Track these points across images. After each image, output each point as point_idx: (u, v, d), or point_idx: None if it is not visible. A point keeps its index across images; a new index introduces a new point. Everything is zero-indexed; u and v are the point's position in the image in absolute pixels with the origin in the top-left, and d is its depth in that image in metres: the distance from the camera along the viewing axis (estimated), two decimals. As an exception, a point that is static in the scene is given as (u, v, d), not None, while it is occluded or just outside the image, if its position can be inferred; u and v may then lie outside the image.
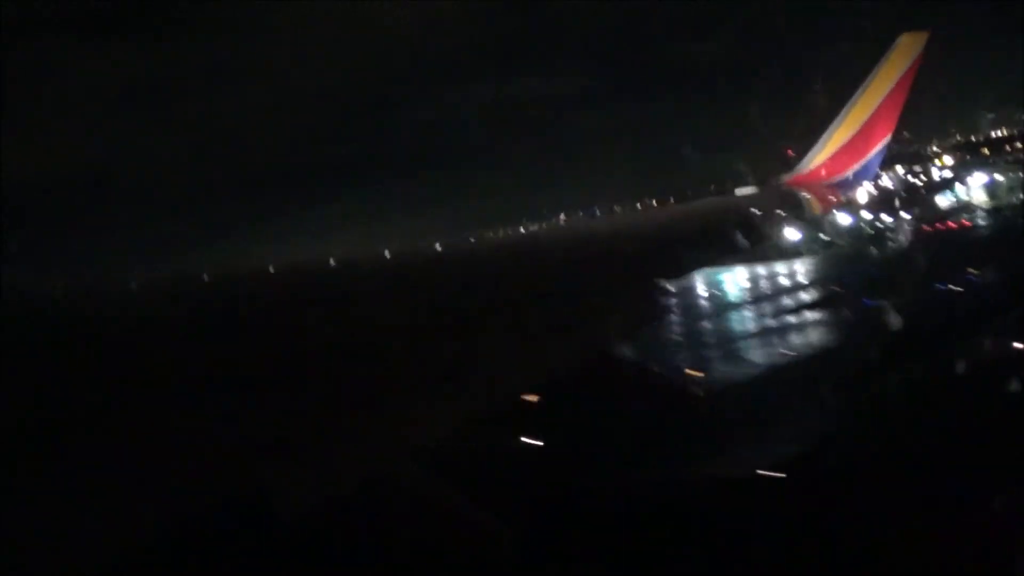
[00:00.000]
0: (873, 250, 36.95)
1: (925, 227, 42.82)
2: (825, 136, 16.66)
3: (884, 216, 40.39)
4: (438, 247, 10.47)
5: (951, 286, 27.06)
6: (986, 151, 55.95)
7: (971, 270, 28.35)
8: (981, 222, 47.13)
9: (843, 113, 16.56)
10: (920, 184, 51.67)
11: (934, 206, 48.66)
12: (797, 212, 15.07)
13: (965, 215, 47.61)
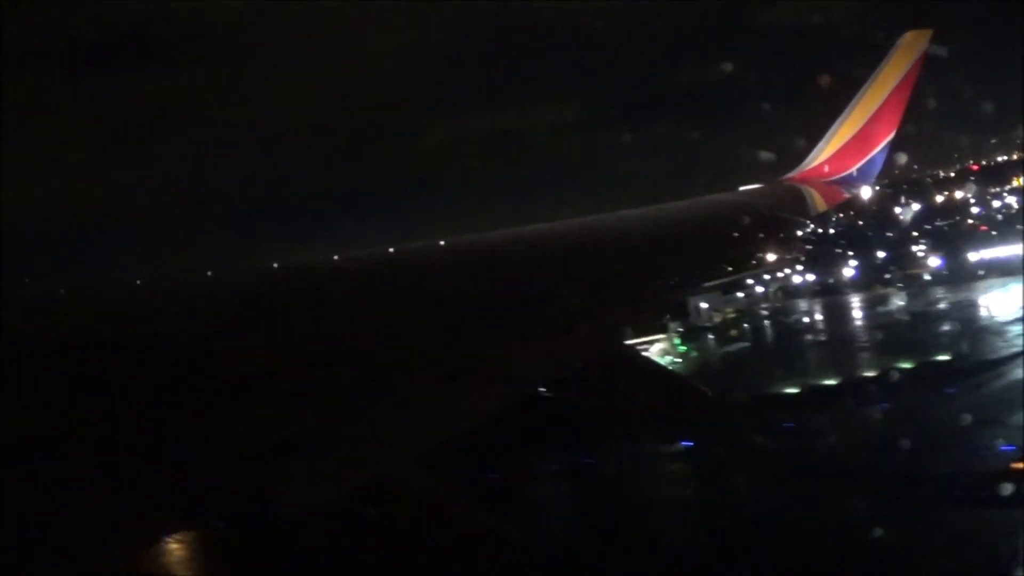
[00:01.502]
0: None
1: None
2: (829, 133, 16.62)
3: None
4: (441, 243, 10.41)
5: None
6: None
7: None
8: None
9: (847, 110, 16.52)
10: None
11: None
12: (801, 209, 15.01)
13: None
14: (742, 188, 15.67)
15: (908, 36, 16.30)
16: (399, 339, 6.41)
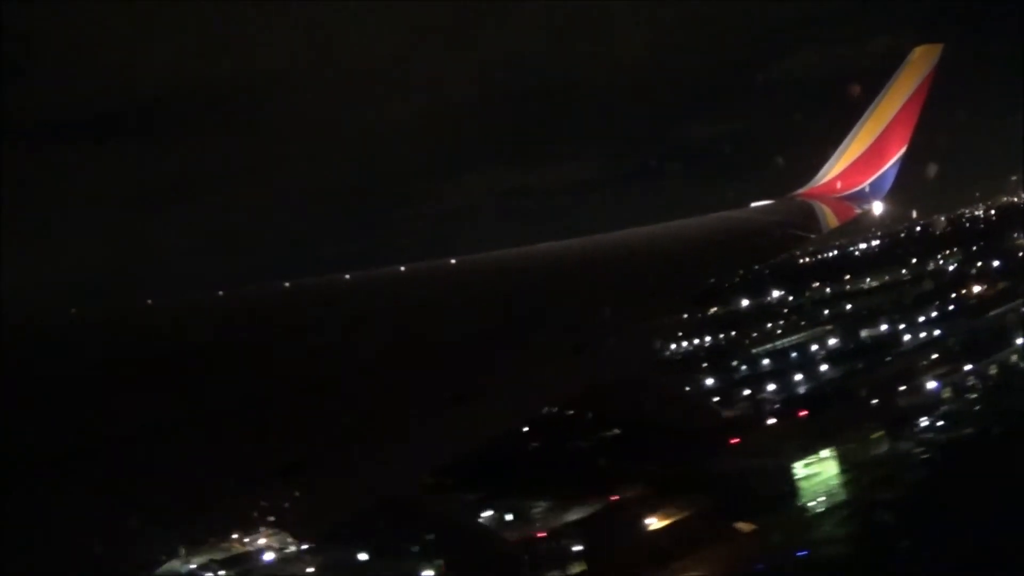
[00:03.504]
0: None
1: None
2: (840, 149, 16.58)
3: None
4: (452, 262, 10.39)
5: None
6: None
7: None
8: None
9: (858, 126, 16.49)
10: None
11: None
12: (813, 225, 14.98)
13: None
14: (753, 204, 15.66)
15: (918, 51, 16.29)
16: (410, 359, 6.44)
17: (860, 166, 16.35)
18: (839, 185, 16.29)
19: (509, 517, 48.64)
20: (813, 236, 15.13)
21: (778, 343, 71.93)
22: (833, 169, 16.49)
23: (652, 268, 10.28)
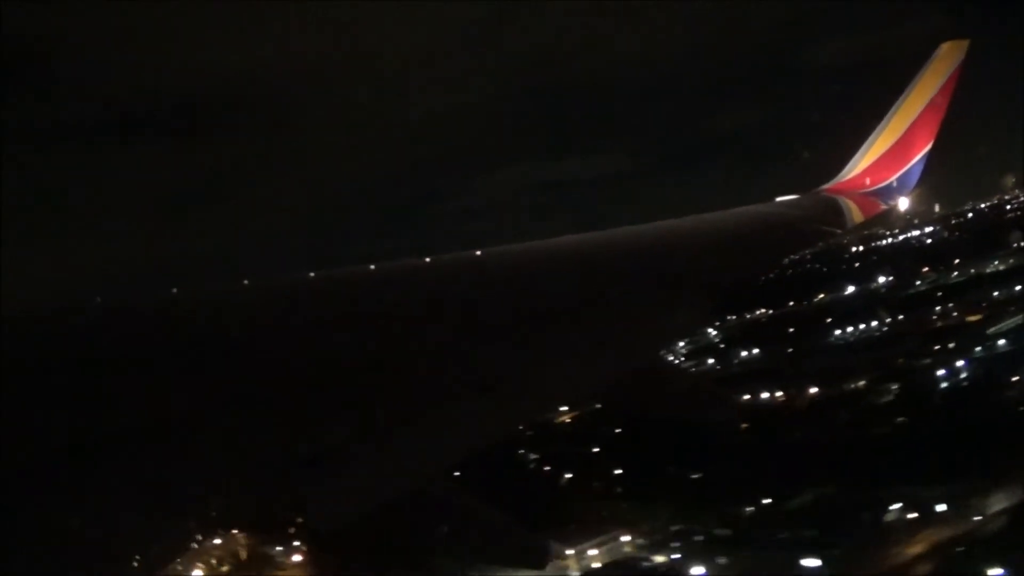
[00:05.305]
0: None
1: None
2: (867, 144, 16.51)
3: None
4: (477, 254, 10.36)
5: None
6: None
7: None
8: None
9: (884, 121, 16.41)
10: None
11: None
12: (838, 221, 14.86)
13: None
14: (779, 199, 15.57)
15: (945, 47, 16.19)
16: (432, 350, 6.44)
17: (887, 161, 16.27)
18: (868, 181, 16.22)
19: (941, 507, 48.09)
20: (839, 231, 15.02)
21: (1003, 325, 72.01)
22: (860, 164, 16.42)
23: (688, 261, 10.22)
